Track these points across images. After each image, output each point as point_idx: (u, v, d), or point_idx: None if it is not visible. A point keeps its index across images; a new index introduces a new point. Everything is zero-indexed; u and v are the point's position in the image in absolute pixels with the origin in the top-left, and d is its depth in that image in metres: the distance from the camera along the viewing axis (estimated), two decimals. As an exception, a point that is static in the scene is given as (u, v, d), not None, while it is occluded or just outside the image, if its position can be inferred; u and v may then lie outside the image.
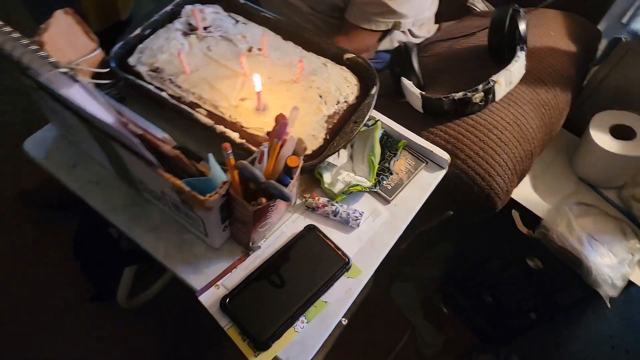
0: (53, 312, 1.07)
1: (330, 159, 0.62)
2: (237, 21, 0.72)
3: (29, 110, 1.37)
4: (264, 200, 0.47)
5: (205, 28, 0.70)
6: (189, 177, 0.48)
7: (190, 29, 0.70)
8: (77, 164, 0.62)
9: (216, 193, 0.47)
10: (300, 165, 0.48)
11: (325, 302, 0.54)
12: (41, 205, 1.16)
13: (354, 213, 0.60)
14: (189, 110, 0.61)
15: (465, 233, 1.11)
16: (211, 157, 0.51)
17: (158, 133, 0.44)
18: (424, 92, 0.75)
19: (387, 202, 0.63)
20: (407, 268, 1.20)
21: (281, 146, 0.50)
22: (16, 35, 0.42)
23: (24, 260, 1.14)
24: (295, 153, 0.51)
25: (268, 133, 0.60)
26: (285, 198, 0.45)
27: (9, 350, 1.02)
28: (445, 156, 0.66)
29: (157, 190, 0.53)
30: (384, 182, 0.64)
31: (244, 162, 0.45)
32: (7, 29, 0.43)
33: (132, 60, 0.65)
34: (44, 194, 1.15)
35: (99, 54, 0.62)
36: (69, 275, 1.12)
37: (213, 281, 0.54)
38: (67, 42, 0.57)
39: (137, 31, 0.68)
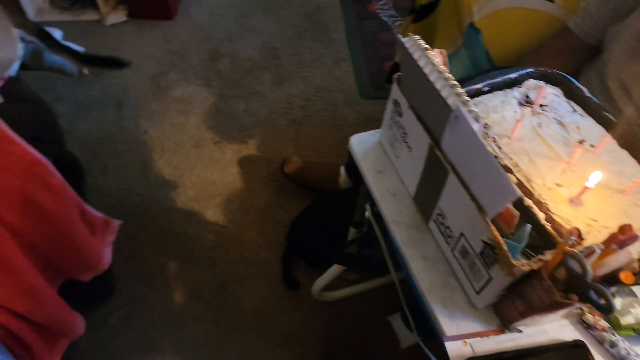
0: (251, 263, 1.27)
1: (635, 287, 0.58)
2: (574, 110, 0.74)
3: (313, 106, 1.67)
4: (575, 297, 0.47)
5: (540, 105, 0.74)
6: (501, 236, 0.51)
7: (526, 101, 0.75)
8: (383, 171, 0.73)
9: (529, 265, 0.49)
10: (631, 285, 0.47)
11: None
12: (292, 177, 1.39)
13: (636, 357, 0.54)
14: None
15: None
16: (528, 228, 0.54)
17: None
18: None
19: (681, 368, 0.55)
20: None
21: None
22: (440, 65, 0.52)
23: (254, 210, 1.39)
24: (621, 268, 0.49)
25: (577, 229, 0.59)
26: (608, 311, 0.44)
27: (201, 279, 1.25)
28: None
29: (455, 230, 0.59)
30: (687, 345, 0.56)
31: (580, 253, 0.46)
32: (432, 55, 0.54)
33: (465, 108, 0.73)
34: (300, 170, 1.38)
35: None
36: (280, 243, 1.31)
37: (463, 336, 0.56)
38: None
39: (478, 85, 0.76)
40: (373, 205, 0.79)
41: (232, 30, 1.91)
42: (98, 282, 1.02)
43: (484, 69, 1.13)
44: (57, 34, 1.57)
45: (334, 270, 1.08)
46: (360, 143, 0.77)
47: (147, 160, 1.47)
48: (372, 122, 1.62)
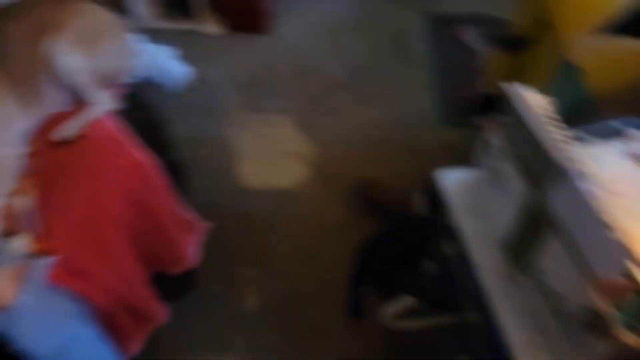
0: (321, 279, 1.34)
1: None
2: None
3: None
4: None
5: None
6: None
7: (630, 153, 0.73)
8: (474, 213, 0.75)
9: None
10: None
11: None
12: (363, 195, 1.44)
13: None
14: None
15: None
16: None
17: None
18: None
19: None
20: None
21: None
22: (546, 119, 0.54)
23: (328, 226, 1.45)
24: None
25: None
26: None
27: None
28: None
29: (554, 287, 0.58)
30: None
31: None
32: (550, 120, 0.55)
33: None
34: (377, 194, 1.42)
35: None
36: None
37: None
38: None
39: (577, 133, 0.76)
40: (452, 241, 0.80)
41: (321, 48, 2.00)
42: (182, 277, 1.13)
43: (577, 108, 1.11)
44: (167, 51, 1.69)
45: (409, 300, 1.11)
46: (449, 179, 0.80)
47: (233, 166, 1.59)
48: (449, 152, 1.63)
